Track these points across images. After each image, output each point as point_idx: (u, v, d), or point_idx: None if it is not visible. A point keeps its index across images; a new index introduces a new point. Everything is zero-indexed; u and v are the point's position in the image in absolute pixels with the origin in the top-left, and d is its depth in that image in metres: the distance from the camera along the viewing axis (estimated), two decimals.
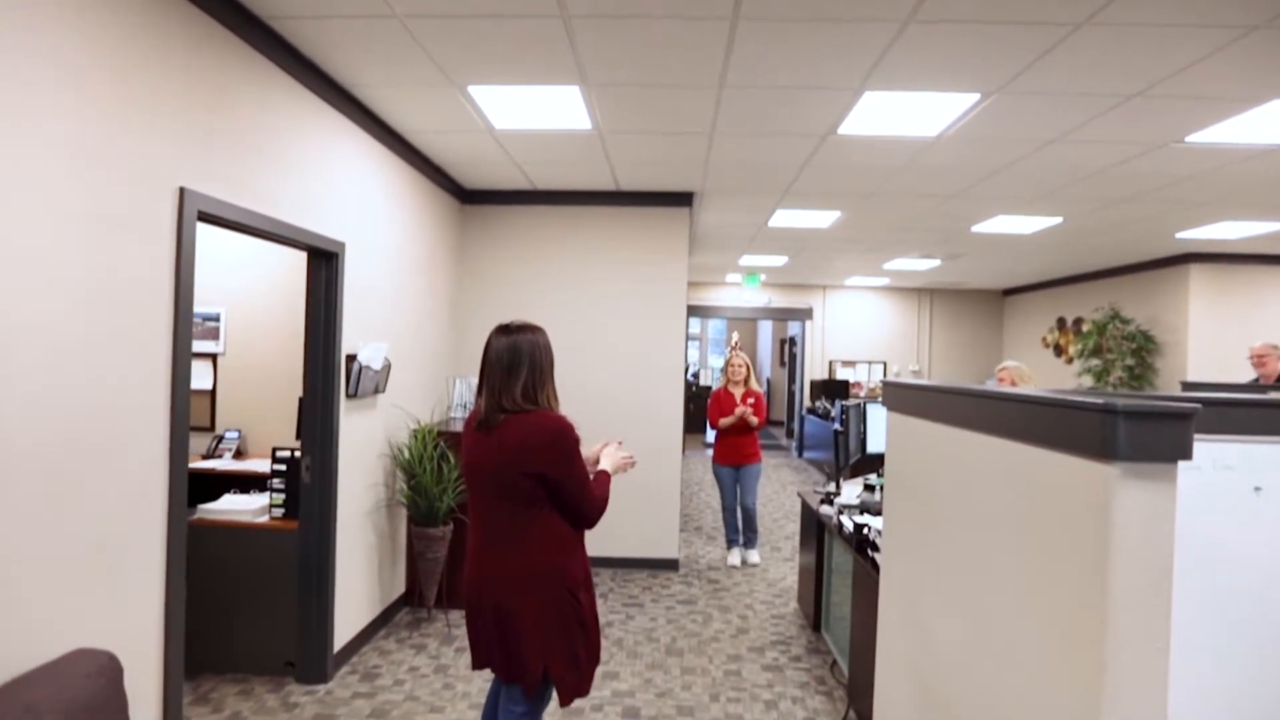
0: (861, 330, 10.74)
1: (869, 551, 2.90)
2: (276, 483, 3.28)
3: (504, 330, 2.03)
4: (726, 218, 5.79)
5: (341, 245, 3.20)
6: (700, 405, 12.73)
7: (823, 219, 5.72)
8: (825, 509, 3.64)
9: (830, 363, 10.77)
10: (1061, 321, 9.02)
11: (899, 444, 2.41)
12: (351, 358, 3.31)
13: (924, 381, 2.16)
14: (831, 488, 3.85)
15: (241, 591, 3.20)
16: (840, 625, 3.54)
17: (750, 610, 4.29)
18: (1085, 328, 8.29)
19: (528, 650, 1.92)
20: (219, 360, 4.66)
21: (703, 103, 3.20)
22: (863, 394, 10.64)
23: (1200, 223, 5.39)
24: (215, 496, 3.43)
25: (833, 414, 9.15)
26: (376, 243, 3.62)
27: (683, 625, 4.02)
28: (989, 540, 1.49)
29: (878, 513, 3.34)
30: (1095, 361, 7.49)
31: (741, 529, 5.27)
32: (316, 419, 3.15)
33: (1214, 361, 6.77)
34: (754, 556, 5.26)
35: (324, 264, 3.13)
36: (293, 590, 3.16)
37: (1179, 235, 5.88)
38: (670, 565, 5.05)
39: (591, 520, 2.02)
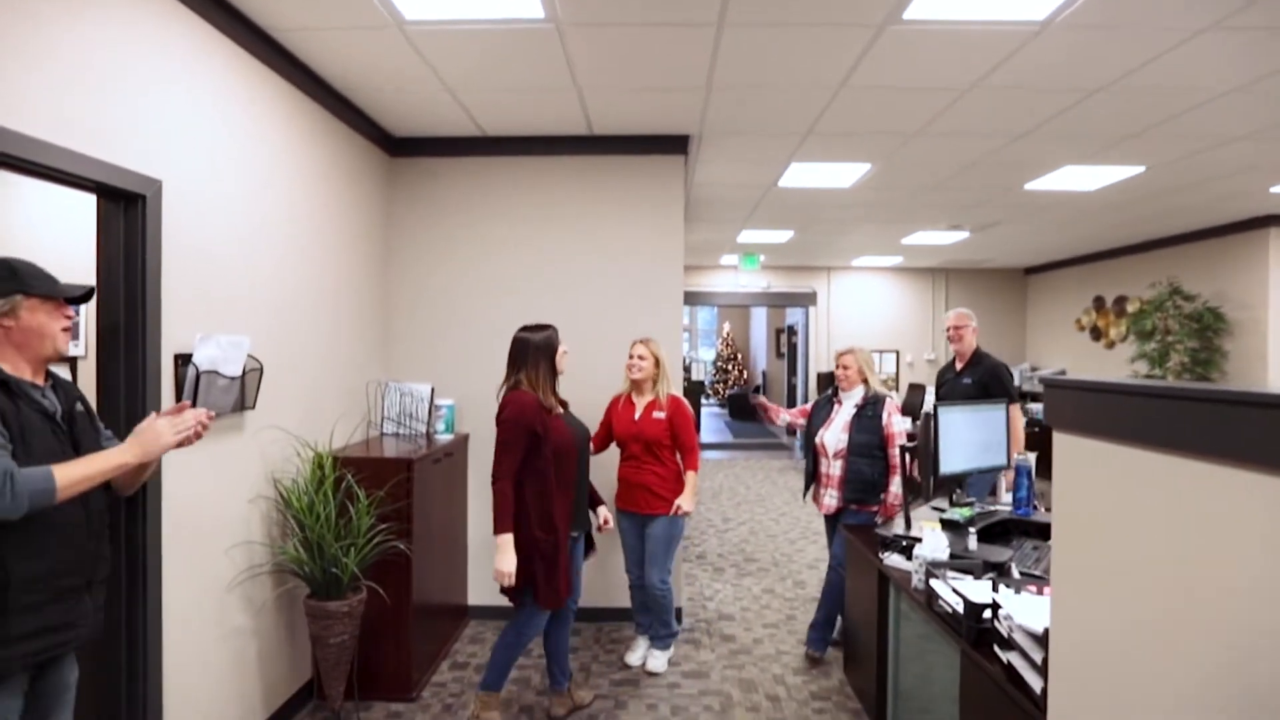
0: (870, 316, 9.69)
1: (996, 648, 1.83)
2: None
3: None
4: (728, 174, 4.68)
5: (155, 185, 2.05)
6: (691, 399, 11.66)
7: (847, 174, 4.63)
8: (895, 560, 2.57)
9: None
10: (1099, 301, 8.01)
11: (1101, 495, 1.33)
12: (184, 359, 2.17)
13: (1196, 386, 1.08)
14: (897, 526, 2.77)
15: None
16: None
17: (781, 685, 3.20)
18: (1132, 307, 7.29)
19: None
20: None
21: None
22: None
23: None
24: None
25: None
26: (232, 191, 2.48)
27: (694, 717, 2.93)
28: None
29: (981, 572, 2.27)
30: (1152, 345, 6.48)
31: (650, 620, 3.42)
32: None
33: None
34: (658, 662, 3.33)
35: (121, 212, 1.98)
36: None
37: (1275, 189, 4.86)
38: None
39: None
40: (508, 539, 2.50)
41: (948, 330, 4.10)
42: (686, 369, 12.65)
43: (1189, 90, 3.06)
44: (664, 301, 3.92)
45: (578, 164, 3.90)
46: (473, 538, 3.92)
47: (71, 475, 1.44)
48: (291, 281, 2.87)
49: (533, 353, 2.68)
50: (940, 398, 4.06)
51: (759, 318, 14.97)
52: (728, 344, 13.28)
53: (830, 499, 3.39)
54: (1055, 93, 3.10)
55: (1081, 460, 1.37)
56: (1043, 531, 2.88)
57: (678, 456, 3.31)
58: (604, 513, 3.05)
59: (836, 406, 3.48)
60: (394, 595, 2.92)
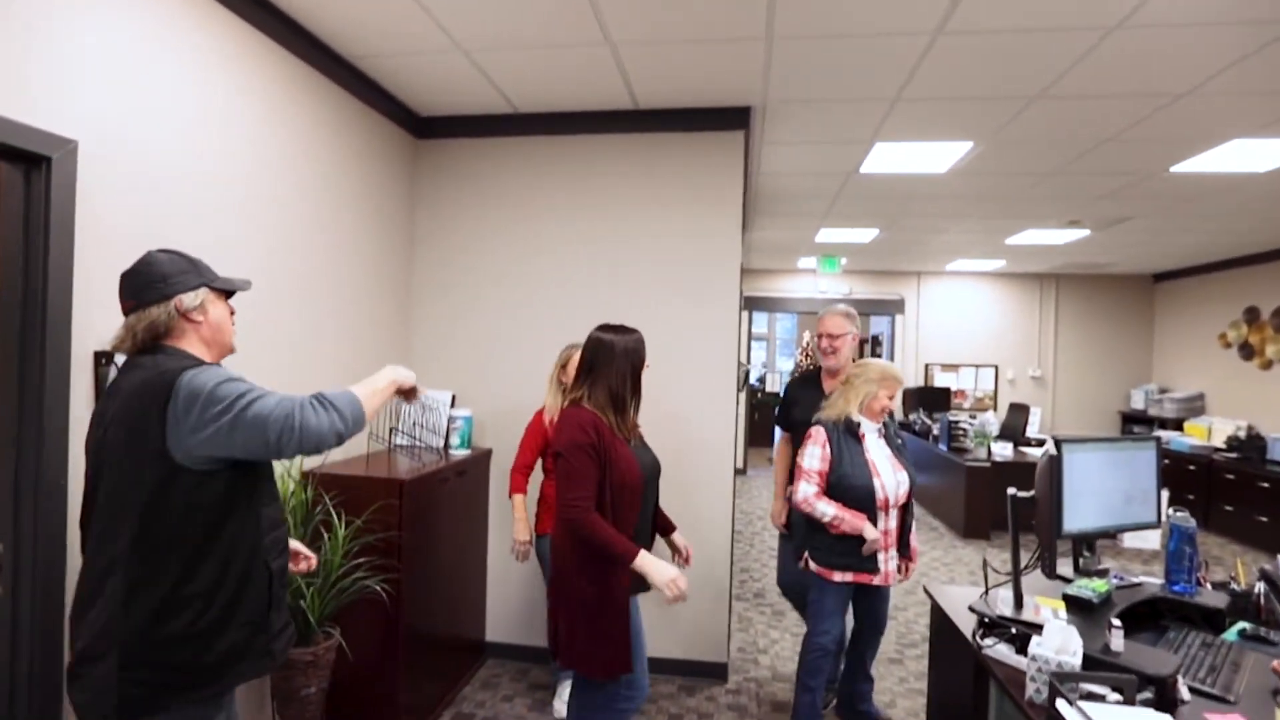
0: (966, 327, 8.70)
1: None
2: None
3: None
4: (800, 159, 4.06)
5: (67, 146, 1.69)
6: (765, 413, 10.91)
7: (943, 157, 3.91)
8: (1000, 651, 1.90)
9: (926, 366, 8.78)
10: (1253, 313, 6.77)
11: None
12: (107, 357, 1.81)
13: None
14: (1001, 604, 2.09)
15: None
16: None
17: None
18: None
19: None
20: None
21: None
22: (967, 404, 8.63)
23: None
24: None
25: (934, 432, 7.22)
26: (193, 163, 2.12)
27: None
28: None
29: (1135, 691, 1.58)
30: None
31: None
32: (12, 479, 1.66)
33: None
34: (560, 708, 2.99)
35: (22, 177, 1.63)
36: None
37: None
38: (715, 672, 3.37)
39: None
40: (644, 556, 1.96)
41: (820, 338, 3.06)
42: (760, 381, 11.89)
43: None
44: (719, 299, 3.35)
45: (623, 143, 3.40)
46: (493, 566, 3.48)
47: (363, 393, 1.47)
48: (281, 273, 2.51)
49: (619, 359, 2.07)
50: (792, 424, 3.08)
51: None
52: (807, 354, 12.42)
53: (894, 564, 2.65)
54: (1244, 25, 2.33)
55: None
56: (1209, 619, 2.12)
57: None
58: (681, 542, 2.38)
59: (861, 440, 2.64)
60: (379, 637, 2.50)
